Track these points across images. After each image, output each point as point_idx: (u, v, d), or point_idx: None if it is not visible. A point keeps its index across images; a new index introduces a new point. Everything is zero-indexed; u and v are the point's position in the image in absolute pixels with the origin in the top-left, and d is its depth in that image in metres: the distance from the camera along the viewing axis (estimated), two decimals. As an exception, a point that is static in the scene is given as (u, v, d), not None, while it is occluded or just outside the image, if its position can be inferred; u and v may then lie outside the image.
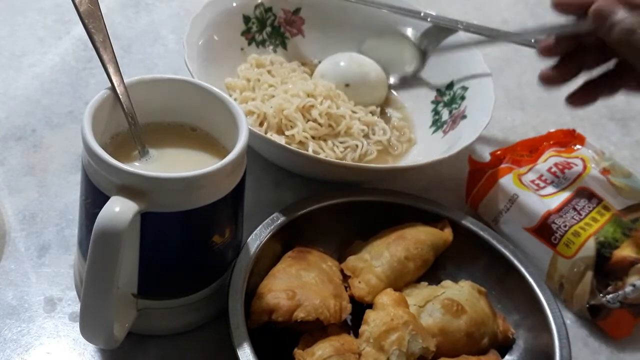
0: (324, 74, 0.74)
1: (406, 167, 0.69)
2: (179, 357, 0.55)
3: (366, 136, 0.71)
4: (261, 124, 0.69)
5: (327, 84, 0.71)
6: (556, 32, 0.64)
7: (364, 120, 0.71)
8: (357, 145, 0.69)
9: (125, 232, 0.44)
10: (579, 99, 0.65)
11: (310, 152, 0.66)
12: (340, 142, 0.69)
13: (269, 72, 0.75)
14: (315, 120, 0.68)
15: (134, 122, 0.51)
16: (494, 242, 0.61)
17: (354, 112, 0.72)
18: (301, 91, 0.69)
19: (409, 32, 0.78)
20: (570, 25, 0.63)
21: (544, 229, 0.64)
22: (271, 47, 0.79)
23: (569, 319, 0.63)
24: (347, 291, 0.56)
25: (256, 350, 0.50)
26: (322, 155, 0.66)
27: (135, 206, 0.45)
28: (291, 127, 0.68)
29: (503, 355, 0.57)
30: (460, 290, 0.57)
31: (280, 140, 0.67)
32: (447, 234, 0.61)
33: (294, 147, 0.65)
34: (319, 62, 0.77)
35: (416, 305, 0.55)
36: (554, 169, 0.67)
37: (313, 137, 0.68)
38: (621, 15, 0.58)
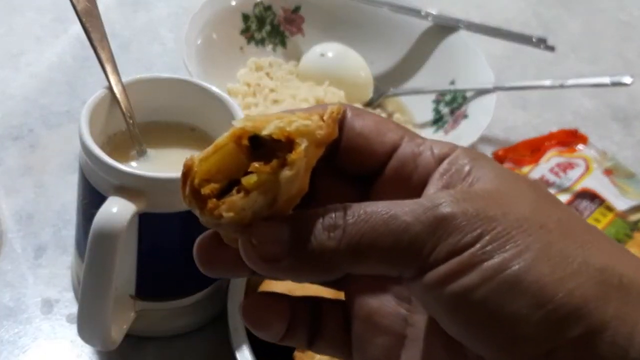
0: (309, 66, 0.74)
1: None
2: (177, 359, 0.54)
3: None
4: None
5: (337, 92, 0.71)
6: None
7: None
8: None
9: (123, 233, 0.44)
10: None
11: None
12: None
13: (267, 74, 0.75)
14: None
15: (132, 122, 0.51)
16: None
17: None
18: (311, 97, 0.69)
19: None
20: None
21: (546, 230, 0.63)
22: (271, 46, 0.79)
23: (572, 320, 0.62)
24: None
25: (255, 352, 0.49)
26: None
27: (133, 207, 0.44)
28: None
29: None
30: None
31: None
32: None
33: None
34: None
35: None
36: (555, 169, 0.67)
37: None
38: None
